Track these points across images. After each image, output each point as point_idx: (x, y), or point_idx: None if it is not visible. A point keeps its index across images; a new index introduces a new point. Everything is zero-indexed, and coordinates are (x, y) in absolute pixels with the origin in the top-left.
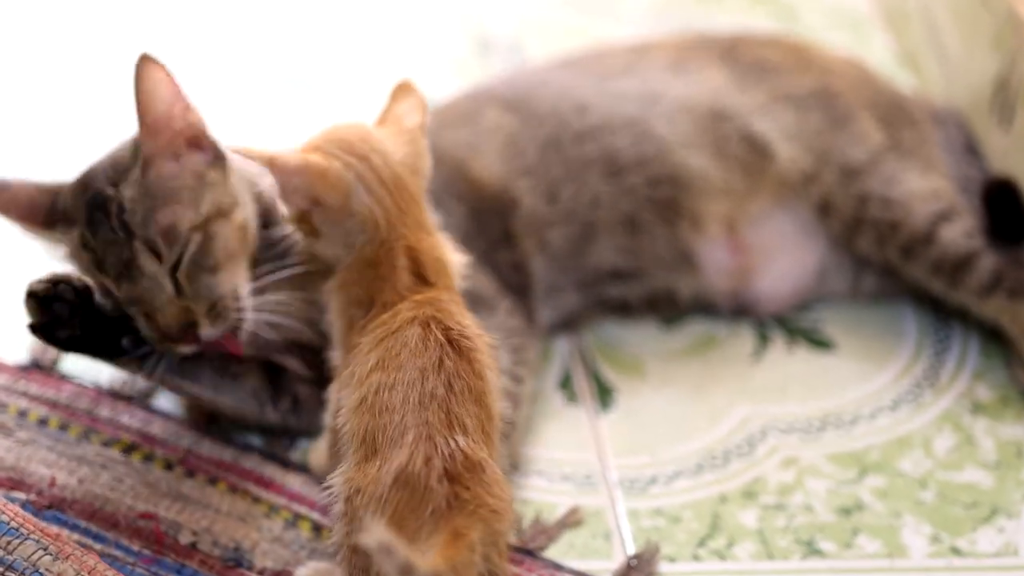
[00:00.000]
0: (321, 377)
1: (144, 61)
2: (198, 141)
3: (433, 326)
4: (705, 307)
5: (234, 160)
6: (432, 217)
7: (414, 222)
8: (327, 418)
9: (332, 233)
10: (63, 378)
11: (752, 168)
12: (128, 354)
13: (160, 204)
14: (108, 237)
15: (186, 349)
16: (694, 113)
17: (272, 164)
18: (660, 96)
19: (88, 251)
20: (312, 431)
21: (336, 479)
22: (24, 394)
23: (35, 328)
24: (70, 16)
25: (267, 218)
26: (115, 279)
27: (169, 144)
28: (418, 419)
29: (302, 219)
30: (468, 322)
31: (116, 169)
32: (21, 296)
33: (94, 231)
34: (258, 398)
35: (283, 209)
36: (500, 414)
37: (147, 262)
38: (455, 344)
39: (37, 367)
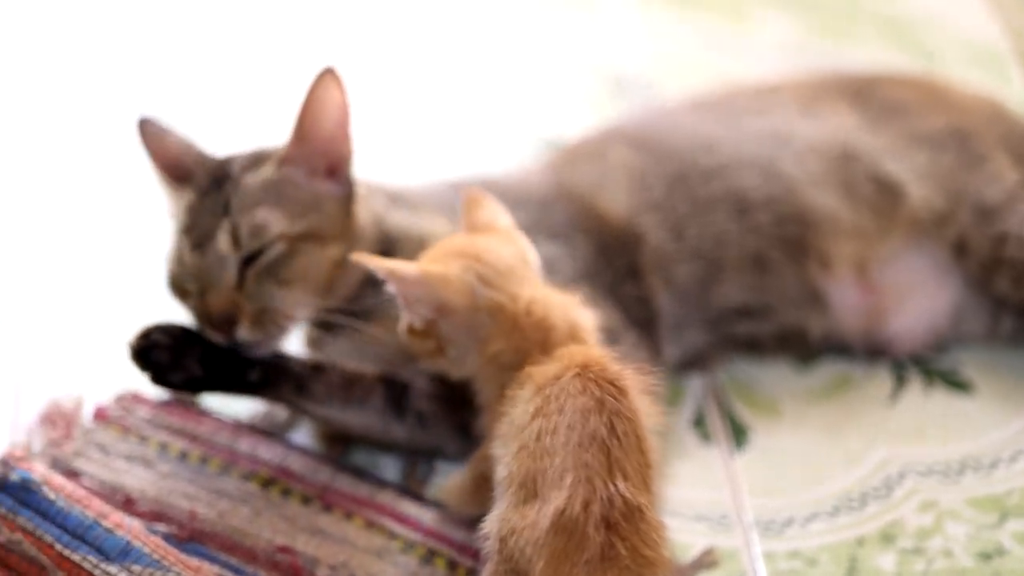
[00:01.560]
0: (445, 392)
1: (328, 75)
2: (337, 173)
3: (590, 370)
4: (838, 347)
5: (367, 201)
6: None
7: (541, 296)
8: (471, 463)
9: (461, 335)
10: (203, 412)
11: (883, 209)
12: (254, 385)
13: (266, 202)
14: (208, 207)
15: (217, 338)
16: (823, 153)
17: (392, 276)
18: (789, 136)
19: (188, 214)
20: (438, 447)
21: (490, 519)
22: (165, 428)
23: (153, 381)
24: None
25: (387, 253)
26: (192, 246)
27: (310, 159)
28: (577, 461)
29: (427, 334)
30: (620, 367)
31: (254, 159)
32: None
33: (203, 199)
34: (383, 416)
35: (404, 322)
36: (656, 459)
37: (224, 242)
38: (615, 384)
39: (178, 402)
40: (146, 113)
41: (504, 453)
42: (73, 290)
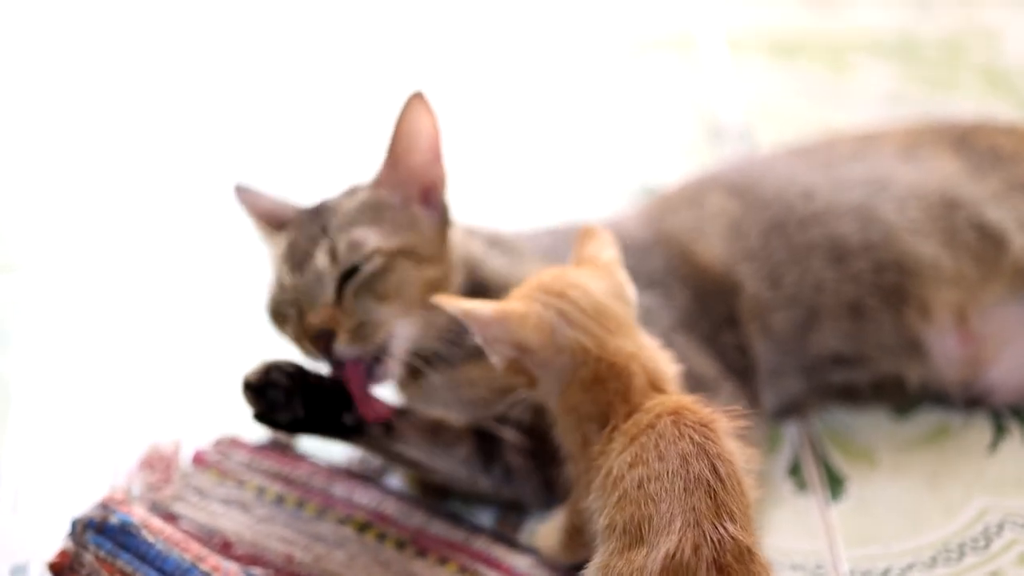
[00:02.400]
0: (535, 447)
1: (418, 101)
2: (431, 198)
3: (684, 415)
4: (936, 395)
5: (465, 240)
6: (646, 337)
7: (627, 341)
8: (563, 512)
9: (545, 374)
10: (299, 456)
11: (985, 257)
12: (349, 429)
13: (363, 221)
14: (307, 232)
15: (315, 355)
16: (924, 200)
17: (468, 316)
18: (889, 183)
19: (288, 243)
20: (525, 500)
21: (591, 568)
22: (262, 472)
23: (258, 416)
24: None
25: (482, 296)
26: (291, 268)
27: (403, 184)
28: (685, 505)
29: (515, 369)
30: (711, 410)
31: (351, 190)
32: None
33: (301, 229)
34: (470, 466)
35: (494, 361)
36: (754, 501)
37: (322, 259)
38: (710, 428)
39: (275, 446)
40: (241, 180)
41: (602, 504)
42: (172, 336)
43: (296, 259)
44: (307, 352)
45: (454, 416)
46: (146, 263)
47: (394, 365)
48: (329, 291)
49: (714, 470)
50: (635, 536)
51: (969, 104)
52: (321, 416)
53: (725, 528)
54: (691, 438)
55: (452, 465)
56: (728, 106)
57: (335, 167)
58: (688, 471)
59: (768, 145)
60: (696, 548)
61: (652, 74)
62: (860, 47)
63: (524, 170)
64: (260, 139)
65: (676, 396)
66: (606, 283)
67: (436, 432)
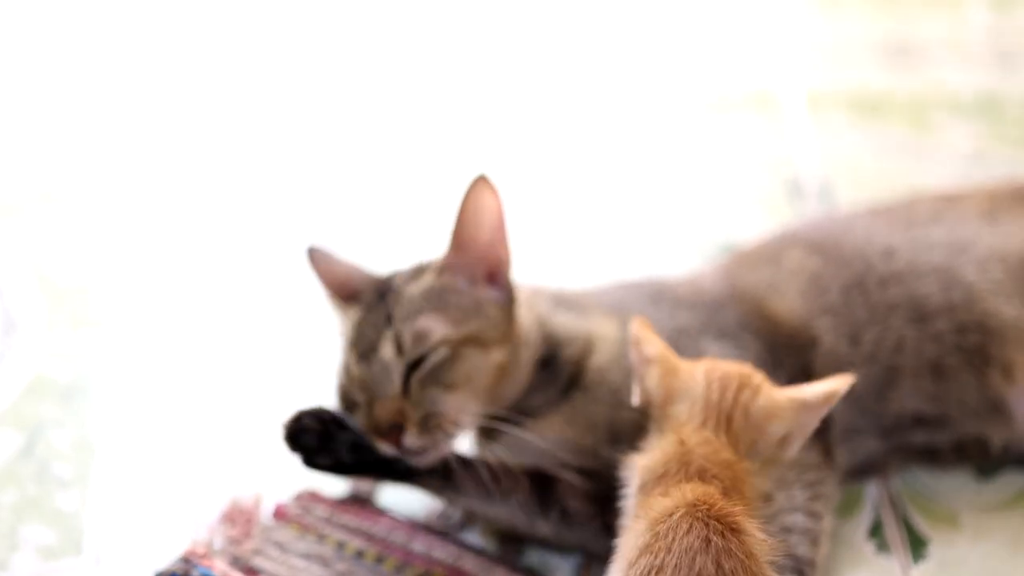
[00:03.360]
0: (594, 490)
1: (482, 183)
2: (497, 278)
3: (699, 508)
4: (1020, 458)
5: (530, 304)
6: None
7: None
8: None
9: (656, 425)
10: (380, 511)
11: None
12: (401, 472)
13: (428, 309)
14: (373, 320)
15: (385, 448)
16: (1007, 262)
17: (637, 343)
18: (971, 244)
19: (355, 328)
20: (586, 545)
21: None
22: (342, 527)
23: (304, 462)
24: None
25: (551, 357)
26: (358, 358)
27: (469, 267)
28: None
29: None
30: (741, 510)
31: (416, 271)
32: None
33: (368, 313)
34: (527, 511)
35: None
36: None
37: (387, 350)
38: (723, 522)
39: (355, 500)
40: (314, 243)
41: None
42: (254, 390)
43: (362, 348)
44: (377, 442)
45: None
46: (227, 317)
47: (449, 449)
48: (396, 383)
49: (718, 566)
50: None
51: None
52: (371, 460)
53: None
54: (700, 533)
55: (510, 512)
56: (808, 164)
57: (406, 229)
58: (691, 568)
59: (848, 203)
60: None
61: (733, 132)
62: (942, 105)
63: (607, 228)
64: (332, 199)
65: (702, 487)
66: (781, 417)
67: (494, 480)
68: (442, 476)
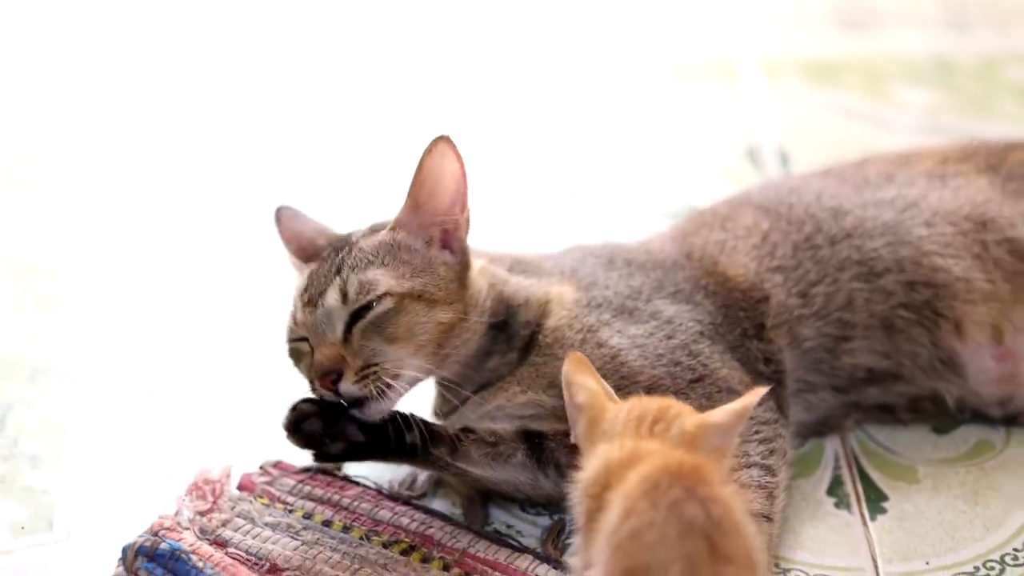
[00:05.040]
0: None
1: (442, 144)
2: (451, 242)
3: (671, 465)
4: (975, 413)
5: (485, 271)
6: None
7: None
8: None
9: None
10: (346, 481)
11: (1017, 275)
12: (413, 449)
13: (377, 263)
14: (324, 270)
15: (324, 393)
16: (955, 220)
17: (568, 386)
18: (920, 203)
19: (306, 279)
20: None
21: None
22: (309, 496)
23: (317, 458)
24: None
25: (509, 317)
26: (304, 304)
27: (424, 228)
28: (680, 552)
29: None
30: (709, 462)
31: (373, 227)
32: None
33: (321, 264)
34: (530, 470)
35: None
36: (755, 539)
37: (332, 297)
38: (701, 471)
39: (321, 470)
40: (282, 202)
41: (599, 559)
42: (220, 363)
43: (310, 295)
44: (317, 391)
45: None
46: (196, 293)
47: (389, 405)
48: (338, 330)
49: (707, 513)
50: None
51: (1005, 126)
52: (383, 440)
53: (724, 571)
54: (682, 485)
55: (513, 473)
56: (766, 130)
57: (370, 189)
58: (680, 518)
59: (805, 167)
60: None
61: (692, 99)
62: (896, 70)
63: (570, 194)
64: (299, 169)
65: (665, 450)
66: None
67: (494, 444)
68: (450, 450)
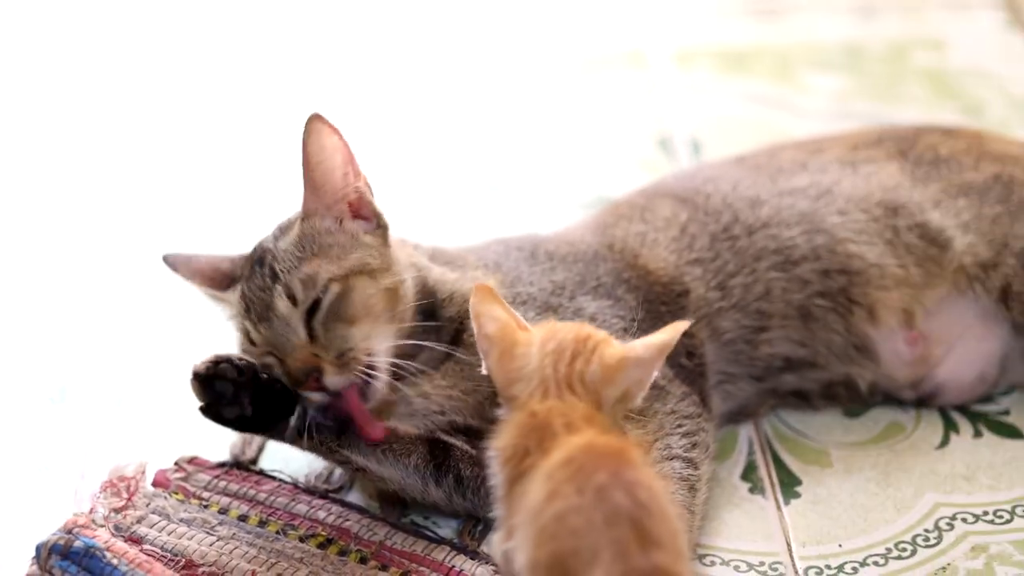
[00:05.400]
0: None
1: (317, 122)
2: (362, 210)
3: (597, 448)
4: (887, 396)
5: (401, 240)
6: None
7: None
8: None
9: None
10: (262, 475)
11: (928, 259)
12: (297, 430)
13: (308, 256)
14: (258, 283)
15: (315, 396)
16: (867, 207)
17: (476, 318)
18: (833, 191)
19: (243, 300)
20: (476, 511)
21: None
22: (224, 492)
23: (203, 409)
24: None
25: (431, 307)
26: (256, 322)
27: (330, 207)
28: (608, 538)
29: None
30: (630, 445)
31: (282, 228)
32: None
33: (250, 281)
34: (422, 475)
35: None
36: (679, 523)
37: (282, 305)
38: (626, 456)
39: (237, 465)
40: (166, 252)
41: (522, 540)
42: (134, 360)
43: (257, 312)
44: (304, 393)
45: (411, 425)
46: (107, 291)
47: (383, 381)
48: (301, 333)
49: (634, 499)
50: (561, 573)
51: (915, 110)
52: (269, 416)
53: (652, 557)
54: (607, 469)
55: (402, 474)
56: (678, 118)
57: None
58: (607, 503)
59: (717, 155)
60: None
61: (604, 90)
62: (806, 57)
63: (484, 184)
64: (190, 163)
65: (590, 432)
66: (620, 378)
67: (387, 440)
68: (337, 436)
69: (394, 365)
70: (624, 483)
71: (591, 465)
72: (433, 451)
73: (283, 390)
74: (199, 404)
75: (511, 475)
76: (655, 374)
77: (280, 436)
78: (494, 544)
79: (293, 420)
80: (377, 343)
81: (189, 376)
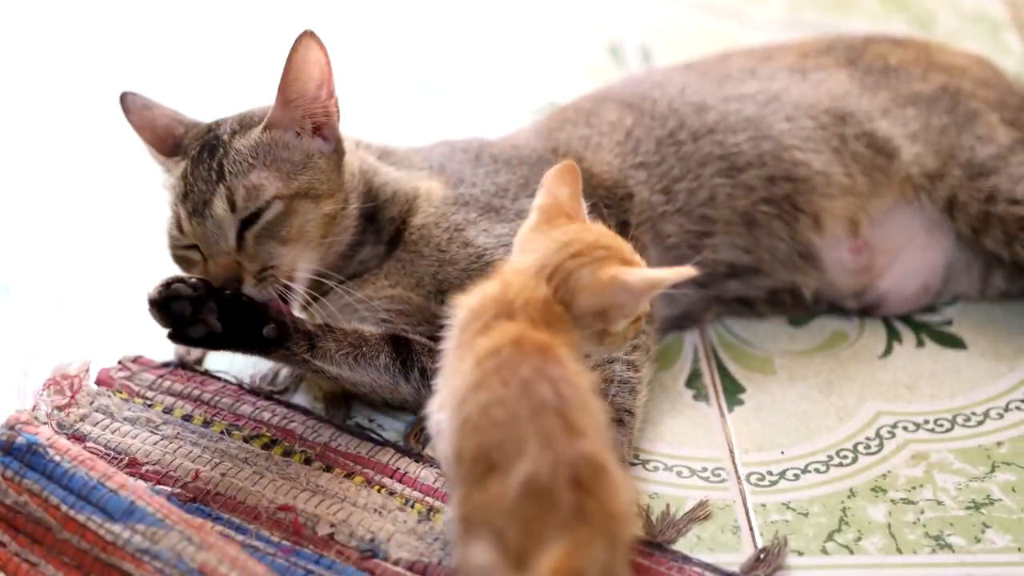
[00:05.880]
0: None
1: (308, 38)
2: (324, 130)
3: (524, 342)
4: (832, 305)
5: (357, 155)
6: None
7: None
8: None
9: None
10: (207, 375)
11: (875, 168)
12: (270, 344)
13: (259, 165)
14: (202, 174)
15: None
16: (815, 114)
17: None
18: (781, 98)
19: (182, 181)
20: None
21: (451, 506)
22: (169, 391)
23: (171, 336)
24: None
25: (373, 211)
26: (189, 213)
27: (296, 121)
28: (535, 429)
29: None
30: (561, 342)
31: (243, 123)
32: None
33: (195, 166)
34: (391, 374)
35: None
36: (603, 417)
37: (220, 207)
38: (551, 352)
39: (182, 365)
40: (127, 88)
41: (445, 425)
42: (79, 258)
43: (194, 204)
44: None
45: (368, 326)
46: (49, 188)
47: (300, 296)
48: (231, 240)
49: (558, 392)
50: (486, 464)
51: (865, 22)
52: (239, 330)
53: (578, 447)
54: (533, 364)
55: (374, 375)
56: (628, 25)
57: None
58: (533, 396)
59: (667, 63)
60: (553, 468)
61: None
62: None
63: (431, 89)
64: (156, 59)
65: (520, 324)
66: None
67: (357, 345)
68: (309, 346)
69: (320, 275)
70: (549, 378)
71: (517, 359)
72: (397, 348)
73: (250, 302)
74: (166, 332)
75: (463, 339)
76: (644, 306)
77: (254, 350)
78: (430, 408)
79: (268, 334)
80: (302, 267)
81: (147, 306)
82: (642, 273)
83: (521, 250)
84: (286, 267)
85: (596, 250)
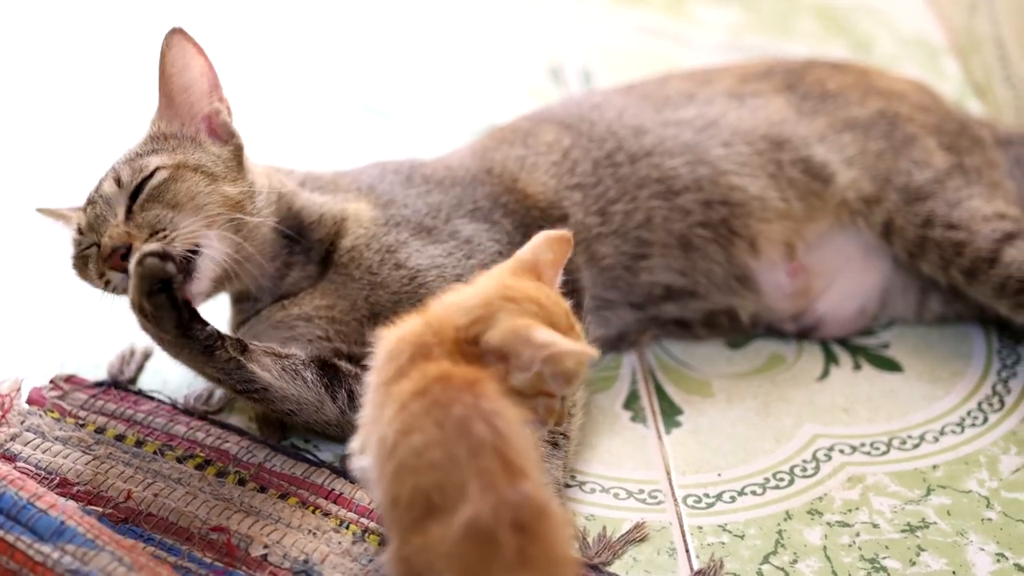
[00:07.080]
0: None
1: (176, 37)
2: (216, 128)
3: (452, 380)
4: (769, 328)
5: (272, 168)
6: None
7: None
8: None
9: None
10: (140, 395)
11: (811, 193)
12: (200, 341)
13: (146, 152)
14: (100, 178)
15: (117, 278)
16: (752, 140)
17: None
18: (718, 123)
19: (85, 203)
20: None
21: (388, 555)
22: (101, 411)
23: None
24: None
25: (298, 231)
26: (84, 206)
27: (183, 120)
28: (474, 469)
29: None
30: (485, 376)
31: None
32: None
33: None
34: (316, 389)
35: None
36: (536, 452)
37: (108, 186)
38: (481, 387)
39: (115, 385)
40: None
41: (373, 472)
42: (7, 277)
43: (89, 198)
44: (111, 287)
45: (298, 349)
46: None
47: (204, 280)
48: (119, 213)
49: (494, 429)
50: (424, 507)
51: (805, 45)
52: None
53: (520, 488)
54: (465, 402)
55: (301, 388)
56: (569, 48)
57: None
58: (469, 435)
59: (608, 85)
60: (495, 511)
61: (495, 17)
62: None
63: (372, 110)
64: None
65: (440, 363)
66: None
67: (284, 356)
68: (240, 348)
69: (235, 262)
70: (483, 414)
71: (447, 397)
72: (323, 368)
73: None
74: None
75: (381, 380)
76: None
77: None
78: (350, 448)
79: (201, 332)
80: (204, 241)
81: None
82: (550, 334)
83: (471, 281)
84: (183, 233)
85: (530, 303)
